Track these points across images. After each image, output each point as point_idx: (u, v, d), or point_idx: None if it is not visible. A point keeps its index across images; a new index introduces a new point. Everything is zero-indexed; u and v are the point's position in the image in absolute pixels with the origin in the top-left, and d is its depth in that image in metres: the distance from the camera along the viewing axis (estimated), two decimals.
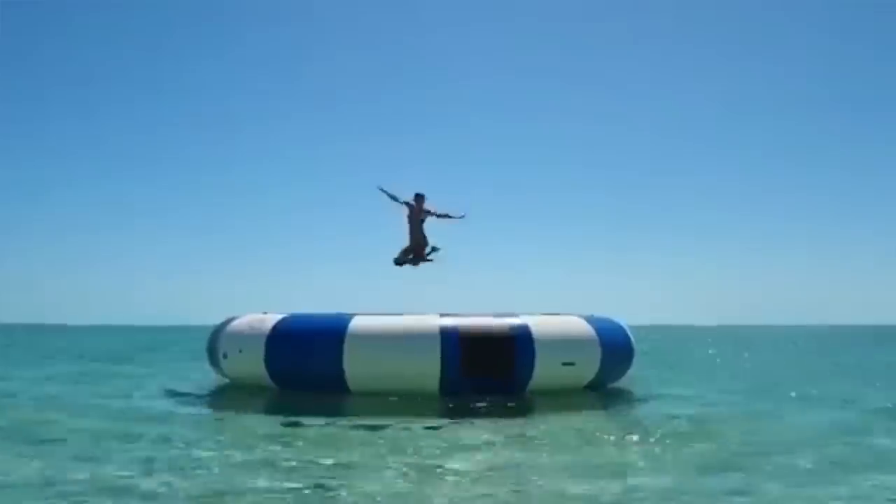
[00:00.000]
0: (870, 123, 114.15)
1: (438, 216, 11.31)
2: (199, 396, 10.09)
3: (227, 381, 11.01)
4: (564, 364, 9.73)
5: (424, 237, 11.32)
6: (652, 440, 6.27)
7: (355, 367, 9.27)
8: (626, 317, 11.71)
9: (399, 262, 11.33)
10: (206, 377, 11.81)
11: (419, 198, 11.25)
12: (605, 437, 6.63)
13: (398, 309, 10.31)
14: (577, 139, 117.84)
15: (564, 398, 9.23)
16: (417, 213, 11.22)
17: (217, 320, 11.45)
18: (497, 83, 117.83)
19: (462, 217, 11.42)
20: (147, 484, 4.60)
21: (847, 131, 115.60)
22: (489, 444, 6.18)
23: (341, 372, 9.30)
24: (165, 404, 9.15)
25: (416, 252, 11.28)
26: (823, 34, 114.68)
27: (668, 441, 6.21)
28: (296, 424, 7.17)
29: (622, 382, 11.21)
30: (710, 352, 25.66)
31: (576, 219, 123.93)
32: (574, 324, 10.23)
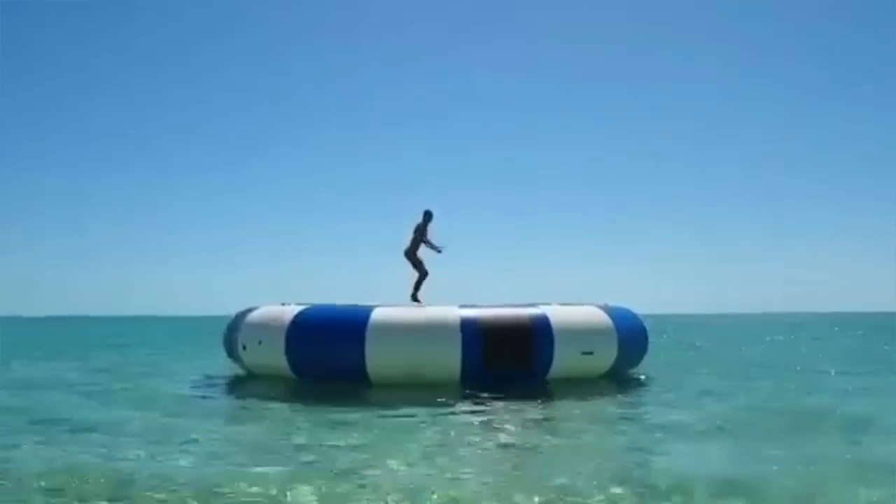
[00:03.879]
0: (875, 110, 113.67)
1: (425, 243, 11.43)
2: (217, 386, 10.19)
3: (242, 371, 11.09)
4: (583, 353, 9.82)
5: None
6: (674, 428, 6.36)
7: (377, 358, 9.34)
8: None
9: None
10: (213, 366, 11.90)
11: (427, 216, 11.41)
12: (624, 423, 6.74)
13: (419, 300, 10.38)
14: (583, 132, 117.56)
15: (583, 386, 9.31)
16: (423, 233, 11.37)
17: (223, 311, 11.50)
18: (505, 76, 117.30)
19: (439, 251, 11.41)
20: (172, 472, 4.69)
21: (852, 118, 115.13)
22: (509, 432, 6.28)
23: (363, 363, 9.36)
24: (185, 393, 9.23)
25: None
26: (827, 23, 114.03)
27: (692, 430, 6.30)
28: (317, 413, 7.27)
29: (638, 370, 11.33)
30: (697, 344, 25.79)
31: (584, 209, 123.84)
32: (591, 313, 10.32)
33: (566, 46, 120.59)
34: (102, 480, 4.54)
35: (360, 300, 10.21)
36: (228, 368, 11.74)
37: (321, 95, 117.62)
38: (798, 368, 12.89)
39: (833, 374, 11.65)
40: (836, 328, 37.02)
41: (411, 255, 11.33)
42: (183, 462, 5.04)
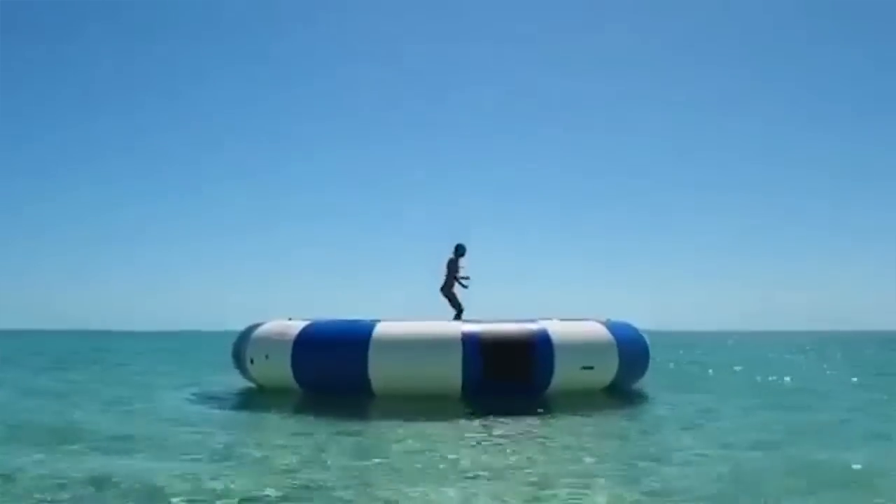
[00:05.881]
0: (871, 122, 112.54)
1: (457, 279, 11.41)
2: (227, 400, 10.41)
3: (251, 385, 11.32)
4: (583, 368, 9.97)
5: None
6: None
7: (380, 372, 9.55)
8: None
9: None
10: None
11: (459, 250, 11.43)
12: (621, 438, 6.87)
13: (420, 315, 10.58)
14: (584, 144, 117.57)
15: (583, 401, 9.42)
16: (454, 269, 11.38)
17: (233, 326, 11.75)
18: (505, 85, 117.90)
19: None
20: (183, 485, 4.81)
21: (850, 131, 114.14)
22: (508, 445, 6.40)
23: (366, 376, 9.58)
24: (195, 407, 9.45)
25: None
26: (824, 36, 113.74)
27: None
28: (319, 426, 7.46)
29: (639, 385, 11.45)
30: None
31: (587, 225, 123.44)
32: (592, 329, 10.47)
33: (569, 53, 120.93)
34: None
35: (367, 316, 10.43)
36: (238, 382, 11.98)
37: (330, 111, 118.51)
38: (799, 388, 12.93)
39: (837, 392, 11.68)
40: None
41: (447, 291, 11.35)
42: (182, 472, 5.19)
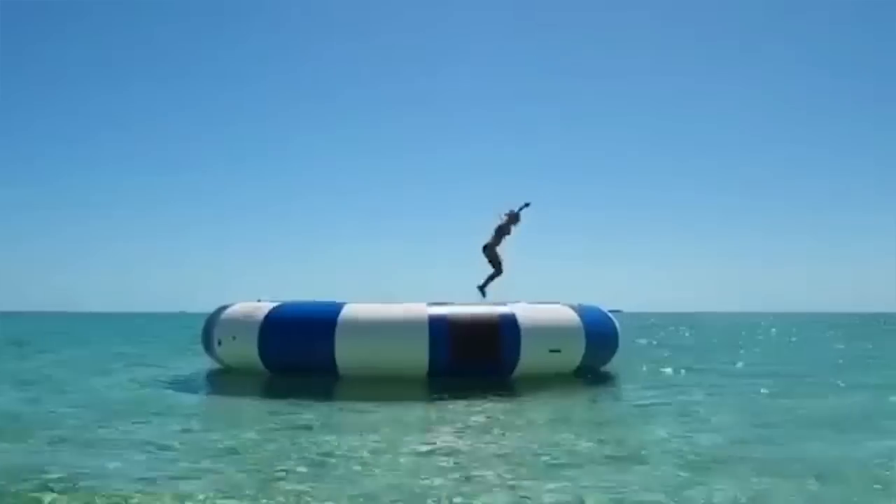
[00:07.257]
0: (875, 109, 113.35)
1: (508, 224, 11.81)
2: (195, 381, 10.38)
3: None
4: (551, 351, 10.02)
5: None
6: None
7: (346, 354, 9.54)
8: (608, 303, 12.07)
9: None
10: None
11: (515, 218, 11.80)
12: (582, 420, 6.92)
13: (389, 298, 10.60)
14: (576, 131, 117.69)
15: (549, 383, 9.47)
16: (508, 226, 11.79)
17: (204, 308, 11.73)
18: (508, 71, 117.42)
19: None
20: (147, 469, 4.79)
21: (851, 118, 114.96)
22: (472, 427, 6.44)
23: (332, 358, 9.57)
24: (159, 389, 9.41)
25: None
26: (823, 26, 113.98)
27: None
28: (286, 407, 7.45)
29: (608, 367, 11.53)
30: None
31: (567, 208, 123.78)
32: (560, 312, 10.51)
33: (570, 41, 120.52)
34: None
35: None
36: (206, 363, 11.94)
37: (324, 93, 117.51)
38: (772, 368, 13.08)
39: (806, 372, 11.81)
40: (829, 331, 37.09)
41: (491, 250, 11.78)
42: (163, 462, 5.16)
